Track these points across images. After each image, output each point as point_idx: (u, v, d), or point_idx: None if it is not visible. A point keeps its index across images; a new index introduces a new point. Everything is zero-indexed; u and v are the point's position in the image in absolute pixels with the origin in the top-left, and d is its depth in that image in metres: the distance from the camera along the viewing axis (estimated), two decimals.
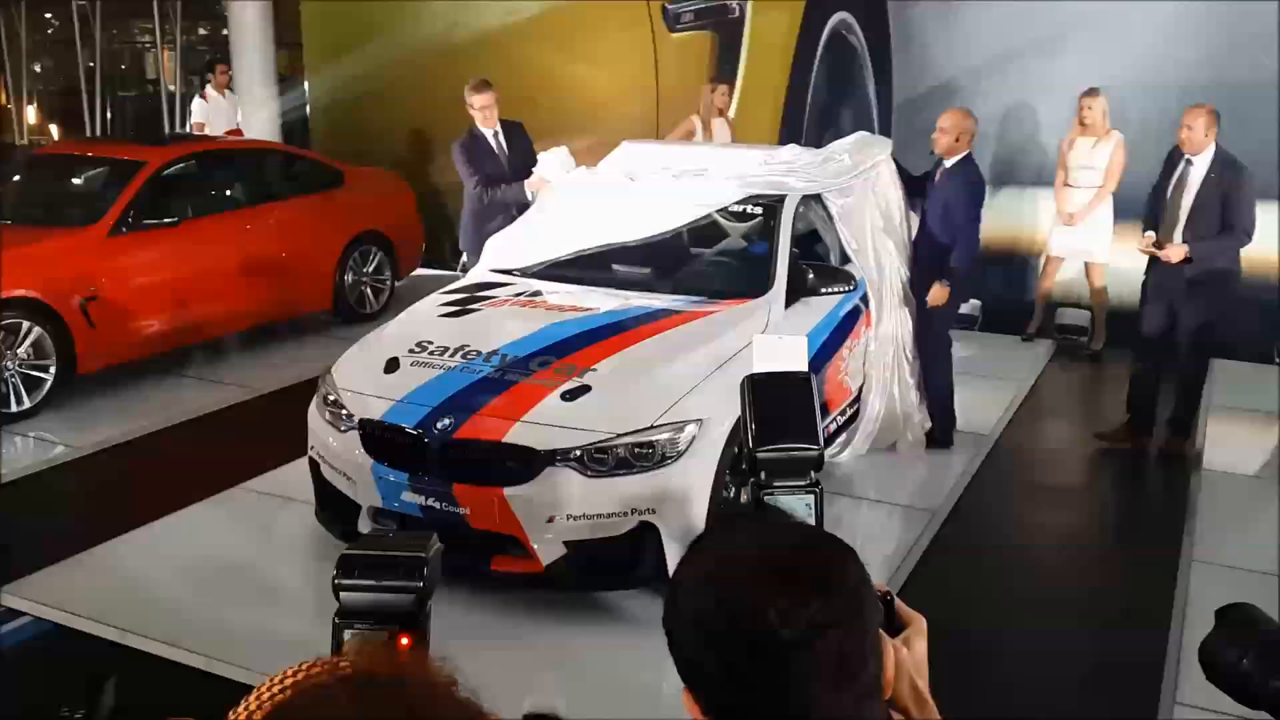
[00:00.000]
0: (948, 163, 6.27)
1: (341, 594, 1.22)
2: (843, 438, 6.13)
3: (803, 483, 1.45)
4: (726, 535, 1.22)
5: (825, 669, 1.05)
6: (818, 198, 6.32)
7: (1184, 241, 6.09)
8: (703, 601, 1.10)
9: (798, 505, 1.43)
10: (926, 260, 6.32)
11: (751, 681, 1.05)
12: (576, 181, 6.68)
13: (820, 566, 1.11)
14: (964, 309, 7.41)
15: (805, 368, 2.67)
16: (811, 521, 1.43)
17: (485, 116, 7.47)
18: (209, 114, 11.16)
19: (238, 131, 10.90)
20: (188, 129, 11.34)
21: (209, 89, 11.39)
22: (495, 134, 7.53)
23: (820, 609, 1.05)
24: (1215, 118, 6.06)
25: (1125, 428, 6.53)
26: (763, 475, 1.46)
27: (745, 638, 1.05)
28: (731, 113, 9.65)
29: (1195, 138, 6.06)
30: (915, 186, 6.52)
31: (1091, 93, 7.89)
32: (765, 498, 1.46)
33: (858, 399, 6.33)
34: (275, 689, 0.89)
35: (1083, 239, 8.14)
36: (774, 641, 1.04)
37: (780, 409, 1.56)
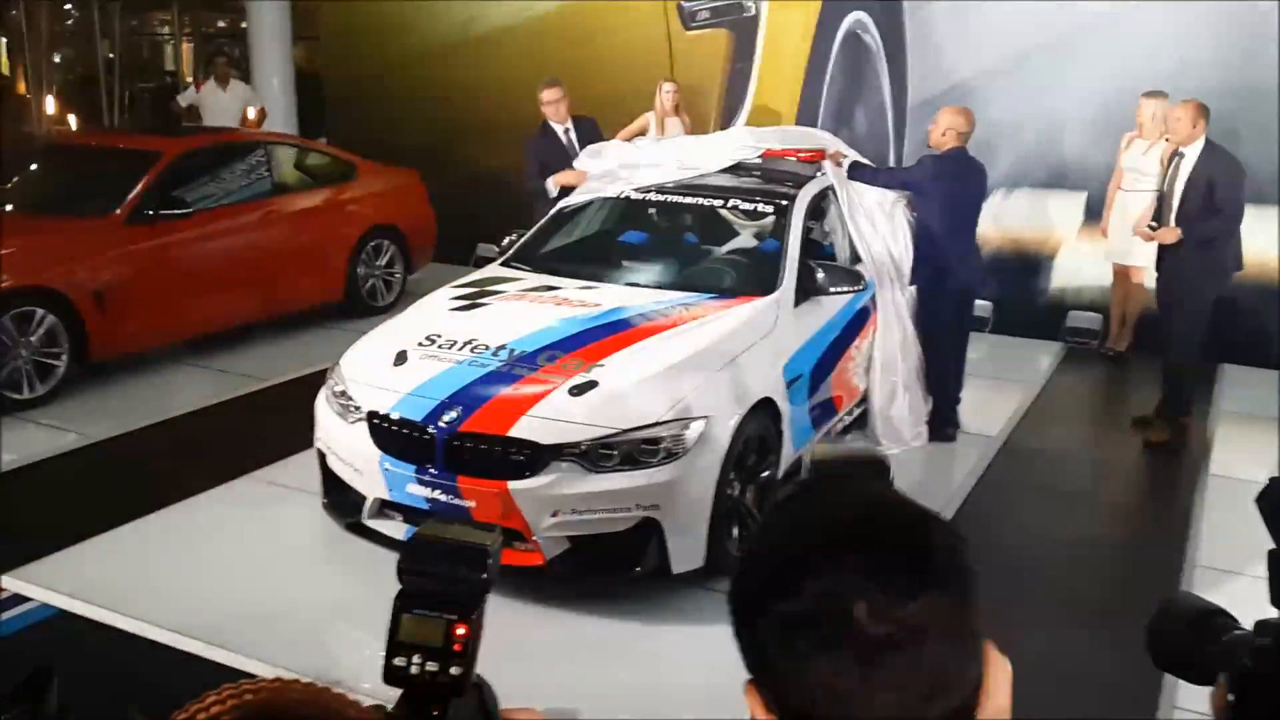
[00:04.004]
0: (936, 154, 6.34)
1: (404, 578, 1.24)
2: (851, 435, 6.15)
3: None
4: (815, 502, 1.00)
5: (917, 677, 0.89)
6: (834, 196, 6.38)
7: (1177, 226, 6.36)
8: (779, 581, 0.92)
9: None
10: (926, 251, 6.37)
11: (828, 683, 0.89)
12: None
13: (925, 555, 0.93)
14: (975, 311, 7.40)
15: None
16: None
17: (555, 111, 7.76)
18: (205, 107, 11.05)
19: (256, 124, 10.77)
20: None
21: (211, 81, 11.28)
22: (566, 130, 7.74)
23: (920, 606, 0.89)
24: (1202, 111, 6.33)
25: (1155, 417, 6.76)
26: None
27: (827, 632, 0.89)
28: (746, 109, 9.70)
29: (1182, 129, 6.39)
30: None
31: (1151, 95, 7.62)
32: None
33: (866, 397, 6.35)
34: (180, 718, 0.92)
35: (1128, 241, 7.81)
36: (861, 640, 0.88)
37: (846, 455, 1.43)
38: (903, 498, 1.00)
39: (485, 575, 1.24)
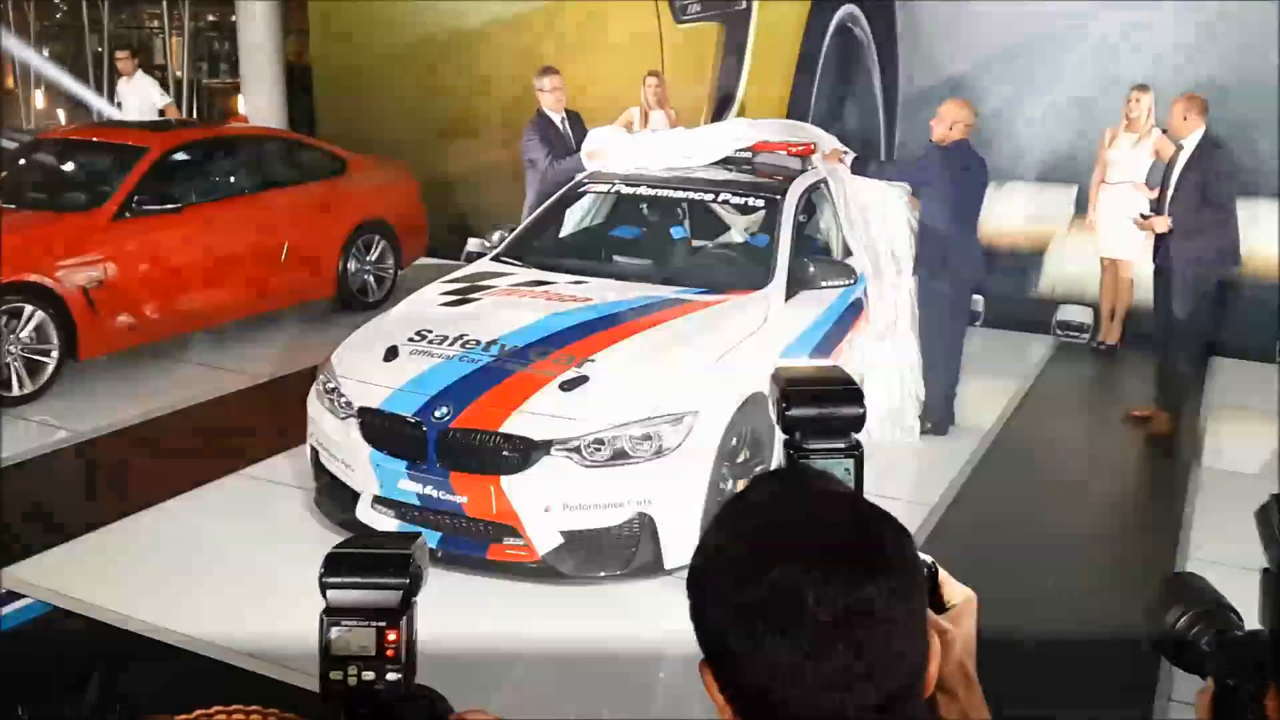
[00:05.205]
0: (942, 149, 6.31)
1: (328, 591, 1.25)
2: None
3: (842, 445, 1.30)
4: (768, 496, 1.08)
5: (863, 660, 0.95)
6: (827, 191, 6.37)
7: (1169, 215, 6.45)
8: (735, 569, 0.99)
9: (835, 471, 1.27)
10: (930, 244, 6.36)
11: (779, 666, 0.96)
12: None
13: (871, 545, 1.00)
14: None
15: None
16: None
17: (555, 100, 7.72)
18: (126, 101, 10.91)
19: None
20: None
21: (123, 79, 11.07)
22: (562, 119, 7.74)
23: (865, 594, 0.96)
24: (1198, 104, 6.41)
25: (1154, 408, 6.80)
26: (797, 436, 1.30)
27: (778, 617, 0.96)
28: (737, 102, 9.69)
29: (1175, 122, 6.52)
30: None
31: (1142, 88, 7.65)
32: (800, 461, 1.30)
33: None
34: None
35: (1116, 235, 7.84)
36: (810, 625, 0.95)
37: (816, 375, 1.40)
38: (853, 493, 1.11)
39: (408, 581, 1.24)
